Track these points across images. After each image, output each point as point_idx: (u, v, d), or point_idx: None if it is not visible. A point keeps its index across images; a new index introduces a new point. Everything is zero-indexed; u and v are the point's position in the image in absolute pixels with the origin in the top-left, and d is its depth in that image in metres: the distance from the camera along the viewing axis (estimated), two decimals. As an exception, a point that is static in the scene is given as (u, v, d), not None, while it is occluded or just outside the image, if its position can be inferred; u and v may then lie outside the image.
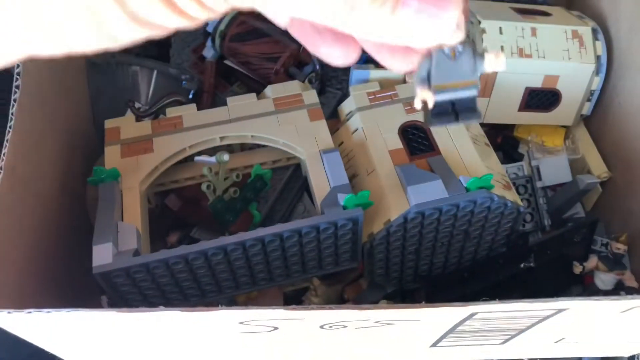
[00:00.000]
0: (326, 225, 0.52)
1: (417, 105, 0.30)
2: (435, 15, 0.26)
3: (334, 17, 0.26)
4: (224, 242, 0.51)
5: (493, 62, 0.29)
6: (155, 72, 0.75)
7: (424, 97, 0.29)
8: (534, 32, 0.69)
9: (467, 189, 0.54)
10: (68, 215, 0.63)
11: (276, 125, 0.63)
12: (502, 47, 0.68)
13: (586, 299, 0.44)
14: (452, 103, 0.30)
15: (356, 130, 0.63)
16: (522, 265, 0.63)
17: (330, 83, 0.77)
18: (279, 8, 0.26)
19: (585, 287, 0.68)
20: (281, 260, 0.55)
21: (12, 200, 0.52)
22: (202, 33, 0.79)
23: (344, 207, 0.52)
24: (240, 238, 0.51)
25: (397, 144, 0.60)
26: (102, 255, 0.50)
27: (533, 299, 0.43)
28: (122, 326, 0.47)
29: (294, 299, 0.69)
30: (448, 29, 0.26)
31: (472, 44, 0.29)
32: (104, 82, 0.74)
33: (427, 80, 0.29)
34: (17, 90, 0.54)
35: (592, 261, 0.65)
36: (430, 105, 0.30)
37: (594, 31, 0.71)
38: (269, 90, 0.67)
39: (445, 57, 0.29)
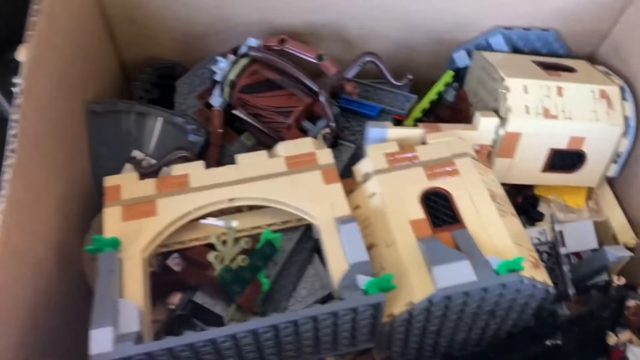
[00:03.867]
0: (345, 312, 0.48)
1: None
2: None
3: None
4: (234, 330, 0.46)
5: None
6: (159, 119, 0.71)
7: None
8: (560, 91, 0.66)
9: (497, 272, 0.50)
10: (66, 282, 0.59)
11: (288, 187, 0.59)
12: (526, 107, 0.65)
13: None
14: None
15: (374, 194, 0.60)
16: (548, 343, 0.59)
17: (343, 134, 0.74)
18: None
19: (611, 362, 0.64)
20: (294, 343, 0.51)
21: (6, 278, 0.48)
22: (209, 78, 0.75)
23: (365, 292, 0.48)
24: (252, 326, 0.46)
25: (419, 213, 0.57)
26: (101, 341, 0.46)
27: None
28: None
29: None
30: None
31: None
32: (105, 131, 0.70)
33: None
34: (13, 154, 0.50)
35: (626, 334, 0.62)
36: None
37: (622, 90, 0.68)
38: (281, 148, 0.63)
39: None
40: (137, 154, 0.70)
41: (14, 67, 0.55)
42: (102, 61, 0.74)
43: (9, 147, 0.50)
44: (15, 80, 0.54)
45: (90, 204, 0.67)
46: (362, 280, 0.49)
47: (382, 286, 0.48)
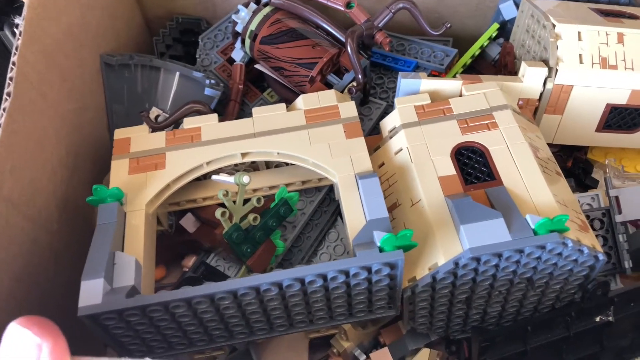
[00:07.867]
0: (357, 270, 0.43)
1: None
2: None
3: None
4: (232, 285, 0.42)
5: None
6: (177, 74, 0.67)
7: None
8: (620, 38, 0.58)
9: (535, 232, 0.43)
10: (69, 239, 0.56)
11: (306, 141, 0.54)
12: (580, 56, 0.57)
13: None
14: None
15: (400, 150, 0.54)
16: (598, 319, 0.52)
17: (375, 92, 0.68)
18: None
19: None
20: (302, 306, 0.46)
21: (-6, 226, 0.45)
22: (232, 33, 0.71)
23: (381, 249, 0.43)
24: (252, 282, 0.42)
25: (449, 169, 0.50)
26: (91, 293, 0.42)
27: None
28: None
29: (320, 339, 0.60)
30: None
31: None
32: (121, 85, 0.67)
33: None
34: (7, 97, 0.47)
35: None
36: None
37: (693, 38, 0.59)
38: (300, 100, 0.58)
39: None
40: (154, 109, 0.66)
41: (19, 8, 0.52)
42: (123, 13, 0.70)
43: (5, 90, 0.47)
44: (17, 20, 0.51)
45: (106, 160, 0.64)
46: (379, 237, 0.43)
47: (400, 243, 0.43)
